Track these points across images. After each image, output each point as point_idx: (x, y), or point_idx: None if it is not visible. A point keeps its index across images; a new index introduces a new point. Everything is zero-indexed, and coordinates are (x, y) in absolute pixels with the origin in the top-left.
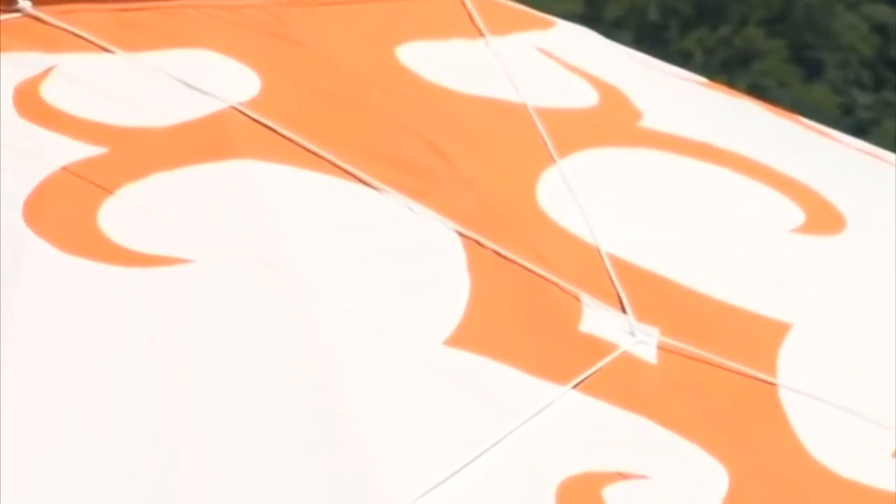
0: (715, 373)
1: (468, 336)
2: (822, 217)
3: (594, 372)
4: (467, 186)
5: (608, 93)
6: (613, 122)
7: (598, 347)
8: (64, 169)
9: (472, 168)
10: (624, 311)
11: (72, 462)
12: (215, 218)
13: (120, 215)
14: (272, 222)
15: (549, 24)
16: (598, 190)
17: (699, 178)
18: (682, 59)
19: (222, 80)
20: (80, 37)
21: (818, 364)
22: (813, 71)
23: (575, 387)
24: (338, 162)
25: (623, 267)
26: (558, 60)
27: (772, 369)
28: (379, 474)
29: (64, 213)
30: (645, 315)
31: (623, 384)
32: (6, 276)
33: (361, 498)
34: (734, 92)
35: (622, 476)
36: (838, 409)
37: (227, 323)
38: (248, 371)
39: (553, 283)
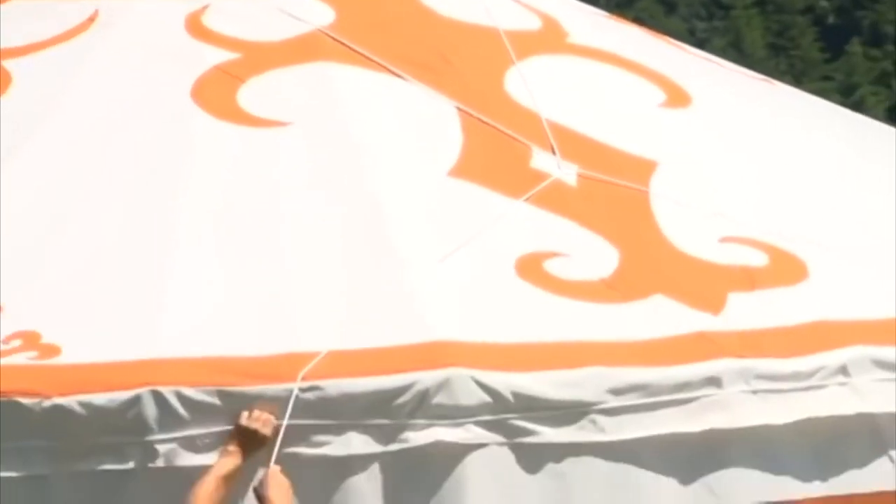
0: (611, 189)
1: (462, 170)
2: (677, 96)
3: (537, 191)
4: (461, 78)
5: (547, 21)
6: (551, 39)
7: (540, 176)
8: (216, 67)
9: (464, 67)
10: (555, 153)
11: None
12: (306, 97)
13: (250, 95)
14: (340, 99)
15: None
16: (541, 81)
17: (605, 73)
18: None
19: (311, 11)
20: None
21: (674, 182)
22: (671, 8)
23: (525, 200)
24: (383, 62)
25: (556, 127)
26: (519, 2)
27: (646, 185)
28: (401, 249)
29: (214, 95)
30: (569, 156)
31: (554, 198)
32: (181, 134)
33: (392, 264)
34: (625, 21)
35: (554, 254)
36: (686, 208)
37: (307, 160)
38: (320, 190)
39: (515, 138)
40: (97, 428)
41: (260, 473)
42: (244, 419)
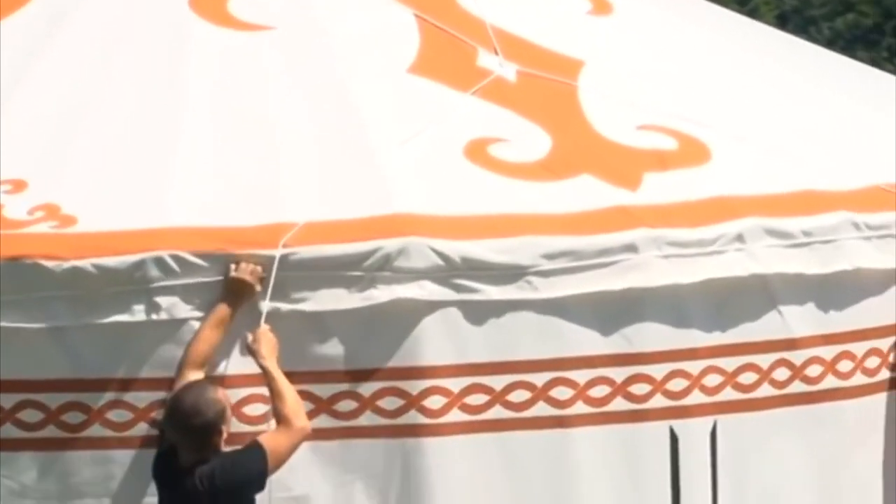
0: (546, 83)
1: (419, 68)
2: (601, 5)
3: (482, 85)
4: None
5: None
6: None
7: (485, 73)
8: None
9: None
10: (497, 53)
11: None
12: (287, 6)
13: (240, 4)
14: (316, 7)
15: None
16: None
17: None
18: None
19: None
20: None
21: (598, 78)
22: None
23: (472, 93)
24: None
25: (499, 32)
26: None
27: (574, 81)
28: (367, 135)
29: (209, 4)
30: (510, 56)
31: (497, 92)
32: (182, 38)
33: (359, 147)
34: None
35: (497, 140)
36: (608, 100)
37: (287, 59)
38: (298, 85)
39: (464, 41)
40: (108, 285)
41: (250, 333)
42: (234, 271)
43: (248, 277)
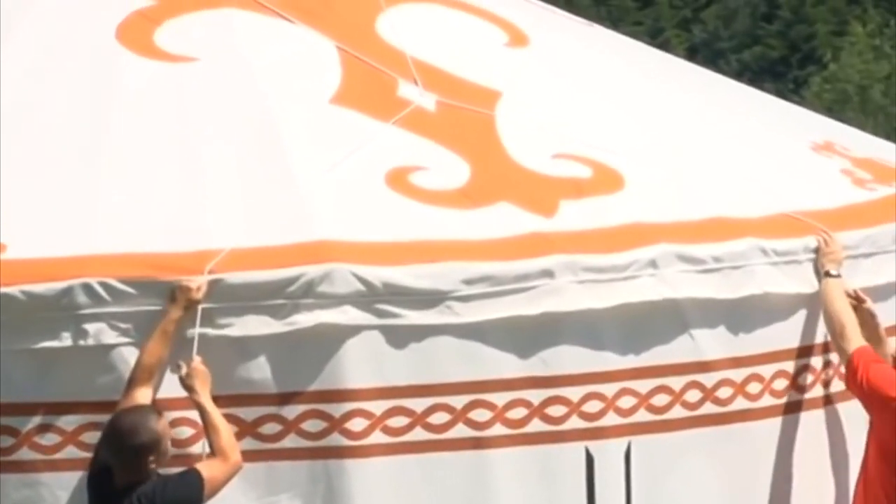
0: (465, 113)
1: (342, 98)
2: (518, 38)
3: (402, 115)
4: (340, 22)
5: None
6: None
7: (405, 103)
8: (136, 13)
9: (342, 13)
10: (417, 84)
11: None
12: (212, 37)
13: (167, 33)
14: (240, 38)
15: None
16: (406, 24)
17: (459, 19)
18: None
19: None
20: None
21: (515, 108)
22: None
23: (393, 123)
24: (274, 8)
25: (419, 63)
26: None
27: (492, 111)
28: (291, 163)
29: (135, 35)
30: (429, 87)
31: (417, 122)
32: (108, 68)
33: (283, 175)
34: None
35: (417, 168)
36: (525, 129)
37: (213, 89)
38: (224, 114)
39: (384, 72)
40: (36, 312)
41: (184, 366)
42: (182, 281)
43: (194, 292)
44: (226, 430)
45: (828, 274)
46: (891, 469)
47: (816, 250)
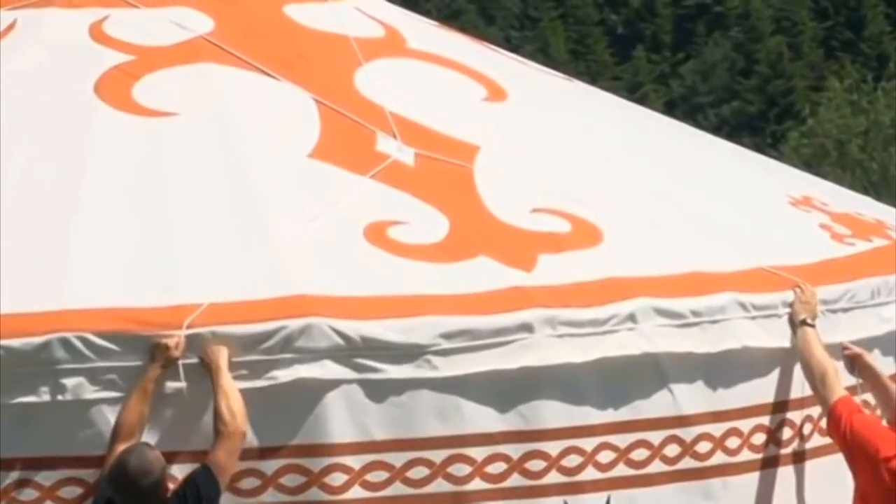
0: (443, 167)
1: (320, 152)
2: (496, 92)
3: (380, 169)
4: (318, 76)
5: (389, 30)
6: (392, 45)
7: (384, 157)
8: (115, 68)
9: (321, 67)
10: (396, 138)
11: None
12: (191, 92)
13: (146, 87)
14: (219, 93)
15: None
16: (384, 79)
17: (437, 73)
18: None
19: (194, 21)
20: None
21: (494, 162)
22: (490, 20)
23: (371, 177)
24: (253, 63)
25: (397, 118)
26: (366, 15)
27: (471, 164)
28: (269, 218)
29: (114, 90)
30: (408, 141)
31: (395, 176)
32: (86, 122)
33: (262, 230)
34: (452, 29)
35: (396, 222)
36: (504, 184)
37: (191, 144)
38: (202, 169)
39: (363, 125)
40: (14, 367)
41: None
42: (160, 339)
43: (172, 350)
44: (235, 397)
45: (804, 323)
46: None
47: (791, 302)
